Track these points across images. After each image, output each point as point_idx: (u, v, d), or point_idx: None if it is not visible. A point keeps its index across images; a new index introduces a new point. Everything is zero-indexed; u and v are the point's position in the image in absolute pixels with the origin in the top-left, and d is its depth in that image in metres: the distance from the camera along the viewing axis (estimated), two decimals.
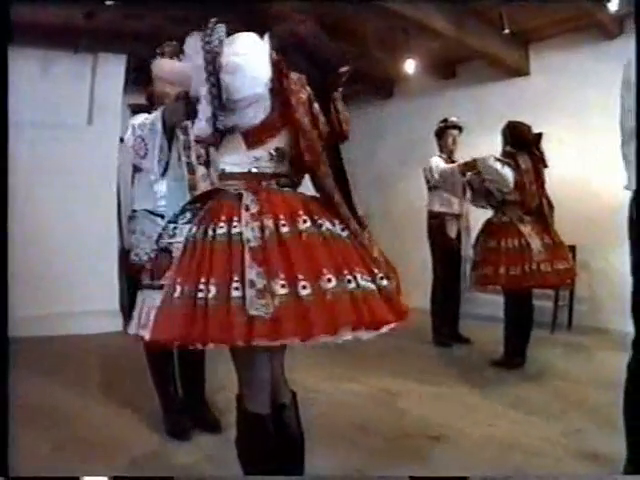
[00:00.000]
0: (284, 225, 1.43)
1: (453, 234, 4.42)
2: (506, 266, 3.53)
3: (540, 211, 3.67)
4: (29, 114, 4.67)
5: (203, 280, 1.39)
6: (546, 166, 3.72)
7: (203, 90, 1.49)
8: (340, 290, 1.39)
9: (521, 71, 5.46)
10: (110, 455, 2.35)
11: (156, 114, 2.32)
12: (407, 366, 3.82)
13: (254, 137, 1.55)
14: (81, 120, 5.05)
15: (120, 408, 2.91)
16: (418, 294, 5.13)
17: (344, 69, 1.62)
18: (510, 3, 4.27)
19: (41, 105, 4.76)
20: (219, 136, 1.57)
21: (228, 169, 1.60)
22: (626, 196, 1.94)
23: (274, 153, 1.57)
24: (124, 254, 4.31)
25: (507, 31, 4.40)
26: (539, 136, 3.72)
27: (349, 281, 1.41)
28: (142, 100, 2.86)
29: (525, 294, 3.73)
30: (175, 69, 1.80)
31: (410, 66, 5.45)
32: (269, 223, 1.43)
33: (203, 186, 2.39)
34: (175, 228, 1.80)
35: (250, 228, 1.43)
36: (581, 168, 4.92)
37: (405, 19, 4.23)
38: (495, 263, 3.58)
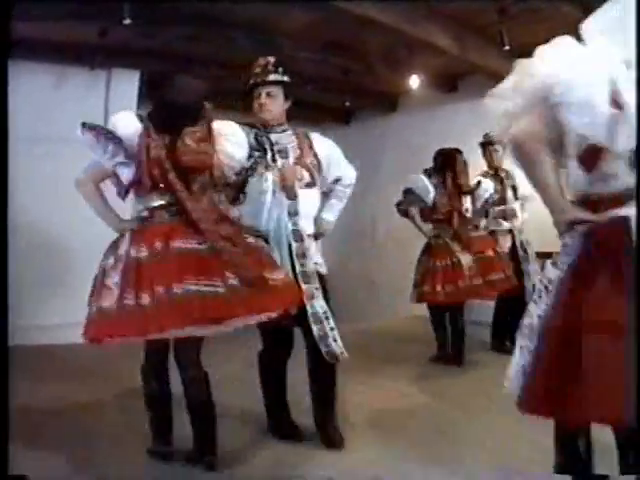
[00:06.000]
0: (142, 250, 1.97)
1: None
2: (442, 284, 3.86)
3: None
4: (45, 129, 4.82)
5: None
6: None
7: None
8: (180, 295, 1.86)
9: None
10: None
11: None
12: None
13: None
14: None
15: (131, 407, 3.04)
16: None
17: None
18: (509, 21, 4.40)
19: (57, 120, 4.84)
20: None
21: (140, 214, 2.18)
22: None
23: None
24: None
25: (507, 48, 4.54)
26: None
27: (192, 285, 1.88)
28: None
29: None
30: None
31: (414, 81, 5.63)
32: (142, 249, 1.97)
33: None
34: None
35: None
36: None
37: (409, 37, 4.38)
38: (432, 281, 3.91)
